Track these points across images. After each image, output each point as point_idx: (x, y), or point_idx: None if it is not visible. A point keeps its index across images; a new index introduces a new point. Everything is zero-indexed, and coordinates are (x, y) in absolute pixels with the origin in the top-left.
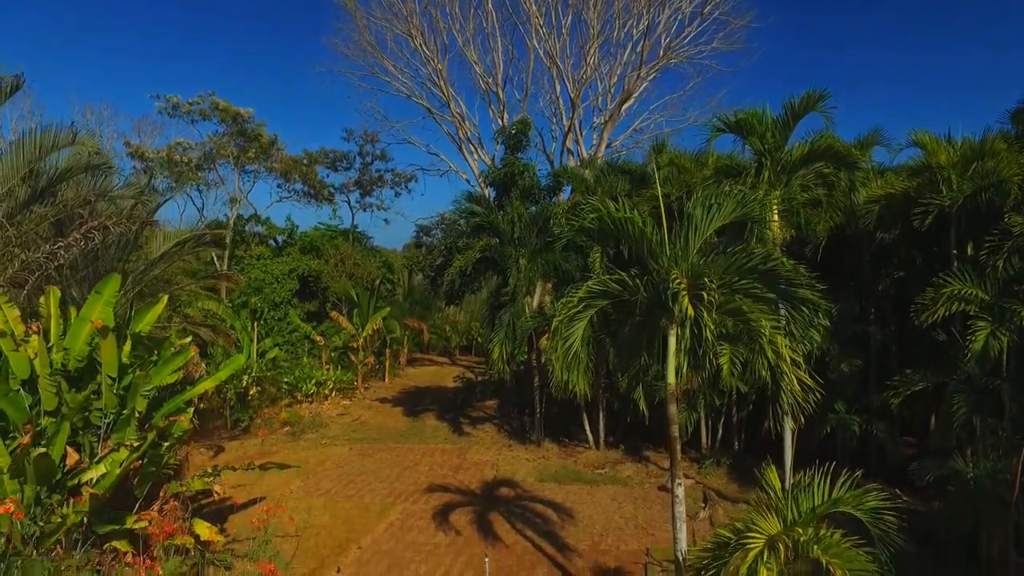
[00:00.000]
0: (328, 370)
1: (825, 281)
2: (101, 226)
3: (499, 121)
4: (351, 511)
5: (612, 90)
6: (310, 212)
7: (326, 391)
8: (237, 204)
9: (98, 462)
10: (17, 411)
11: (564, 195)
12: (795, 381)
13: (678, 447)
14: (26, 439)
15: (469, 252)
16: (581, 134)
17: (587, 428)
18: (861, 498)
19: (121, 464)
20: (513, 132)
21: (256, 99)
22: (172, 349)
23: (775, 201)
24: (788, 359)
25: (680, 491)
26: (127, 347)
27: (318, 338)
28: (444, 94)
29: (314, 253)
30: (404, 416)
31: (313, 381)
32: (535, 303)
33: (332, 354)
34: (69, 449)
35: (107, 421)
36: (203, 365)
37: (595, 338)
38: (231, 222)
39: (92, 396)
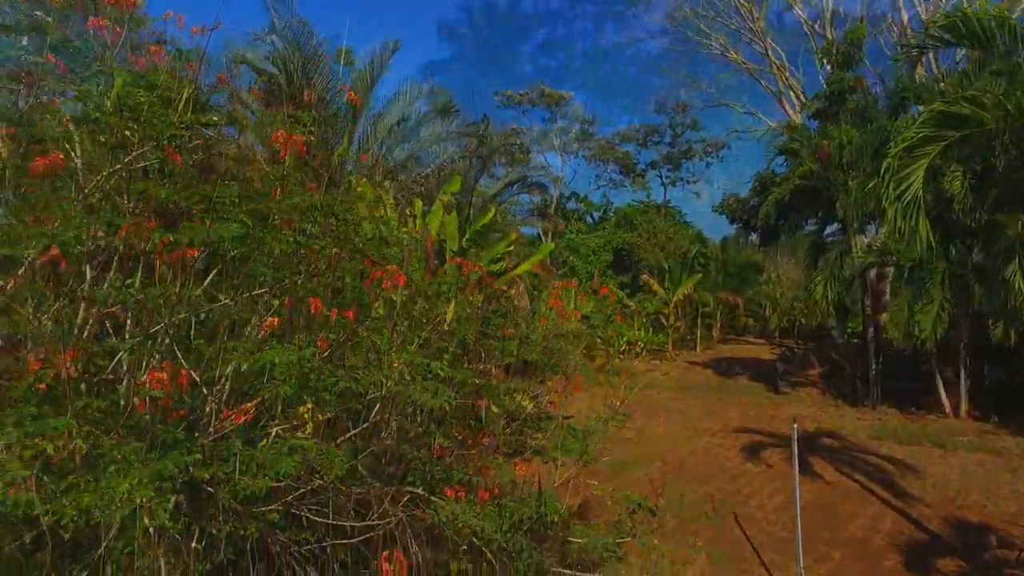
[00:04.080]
0: (640, 332)
1: None
2: (449, 159)
3: (827, 68)
4: (656, 435)
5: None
6: (624, 193)
7: (637, 350)
8: (559, 183)
9: None
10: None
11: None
12: None
13: None
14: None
15: (785, 183)
16: (940, 69)
17: (941, 392)
18: None
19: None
20: (843, 46)
21: (573, 83)
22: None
23: None
24: None
25: None
26: (466, 236)
27: (631, 303)
28: (762, 44)
29: (627, 228)
30: (714, 375)
31: (625, 339)
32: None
33: (644, 320)
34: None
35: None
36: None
37: (954, 274)
38: (555, 200)
39: (441, 275)
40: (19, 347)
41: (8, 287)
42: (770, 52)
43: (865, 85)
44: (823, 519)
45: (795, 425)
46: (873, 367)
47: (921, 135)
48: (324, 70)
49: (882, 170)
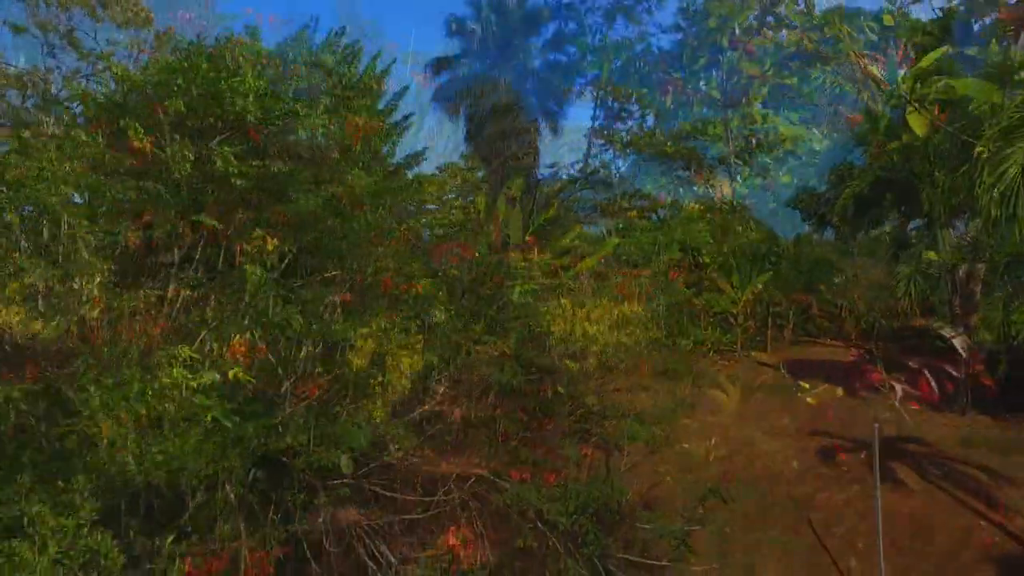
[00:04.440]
0: (707, 331)
1: None
2: (512, 156)
3: (911, 53)
4: (723, 437)
5: None
6: (690, 189)
7: (704, 349)
8: (624, 181)
9: None
10: None
11: None
12: None
13: None
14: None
15: (865, 174)
16: None
17: None
18: None
19: None
20: (928, 30)
21: (584, 78)
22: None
23: None
24: None
25: None
26: (529, 230)
27: (696, 301)
28: (841, 31)
29: (694, 224)
30: (786, 377)
31: (692, 338)
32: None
33: (711, 319)
34: None
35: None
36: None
37: None
38: (618, 197)
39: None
40: (119, 321)
41: (107, 267)
42: (847, 38)
43: (955, 69)
44: (906, 528)
45: (876, 426)
46: (963, 368)
47: (1020, 115)
48: (389, 69)
49: (976, 154)
